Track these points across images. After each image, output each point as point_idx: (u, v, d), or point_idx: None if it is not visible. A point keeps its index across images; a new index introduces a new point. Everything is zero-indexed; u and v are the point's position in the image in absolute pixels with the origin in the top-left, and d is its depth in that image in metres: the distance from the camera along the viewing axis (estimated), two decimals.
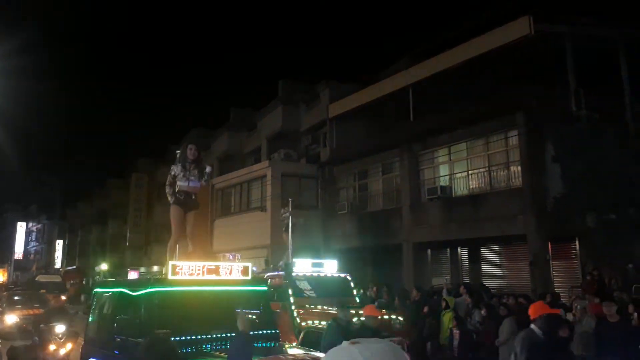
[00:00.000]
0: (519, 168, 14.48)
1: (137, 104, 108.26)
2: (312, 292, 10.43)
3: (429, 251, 17.57)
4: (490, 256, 15.69)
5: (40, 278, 28.35)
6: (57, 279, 29.47)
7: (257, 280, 6.29)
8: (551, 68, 13.93)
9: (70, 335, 9.68)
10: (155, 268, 36.90)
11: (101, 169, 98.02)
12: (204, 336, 4.96)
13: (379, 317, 7.55)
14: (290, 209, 17.76)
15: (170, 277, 5.23)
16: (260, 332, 5.49)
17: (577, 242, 13.40)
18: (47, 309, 11.15)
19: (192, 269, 5.32)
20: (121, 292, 6.00)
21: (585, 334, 7.53)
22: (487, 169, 15.61)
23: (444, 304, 10.84)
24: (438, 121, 16.68)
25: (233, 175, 24.03)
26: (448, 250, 16.94)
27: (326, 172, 21.71)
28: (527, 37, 13.80)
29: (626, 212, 12.87)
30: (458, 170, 16.55)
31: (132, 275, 32.46)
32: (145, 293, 5.27)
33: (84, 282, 37.94)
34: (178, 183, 6.39)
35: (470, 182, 16.08)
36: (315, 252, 20.75)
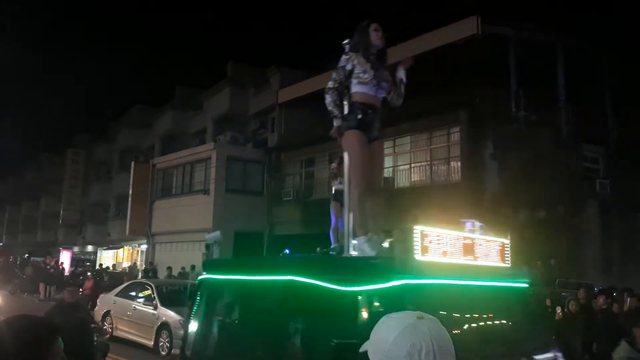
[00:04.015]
0: (459, 164, 15.00)
1: (75, 75, 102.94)
2: None
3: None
4: None
5: None
6: None
7: (515, 270, 3.62)
8: (494, 69, 14.46)
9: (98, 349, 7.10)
10: (90, 248, 35.62)
11: (35, 142, 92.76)
12: None
13: None
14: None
15: (419, 258, 2.85)
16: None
17: (508, 238, 14.09)
18: (58, 306, 6.87)
19: (446, 244, 3.04)
20: (307, 285, 3.03)
21: None
22: (428, 162, 16.07)
23: None
24: (385, 114, 16.94)
25: (176, 155, 23.42)
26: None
27: (273, 158, 21.59)
28: (474, 37, 14.24)
29: (555, 209, 13.67)
30: (401, 163, 16.95)
31: (65, 255, 31.19)
32: (388, 290, 2.72)
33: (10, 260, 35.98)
34: (355, 88, 3.58)
35: (412, 175, 16.51)
36: (259, 238, 20.71)
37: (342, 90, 3.68)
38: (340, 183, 8.17)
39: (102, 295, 13.41)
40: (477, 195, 14.27)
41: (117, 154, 33.61)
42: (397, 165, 17.03)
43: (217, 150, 20.98)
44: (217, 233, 4.37)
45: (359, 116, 3.55)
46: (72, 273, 25.69)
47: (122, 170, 30.08)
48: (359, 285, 2.77)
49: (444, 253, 3.02)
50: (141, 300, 11.86)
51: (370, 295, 2.75)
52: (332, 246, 7.78)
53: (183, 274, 18.31)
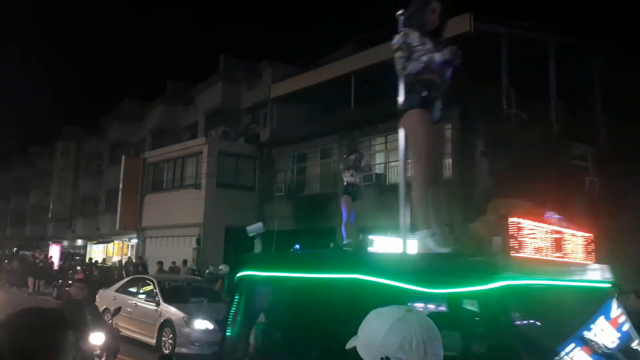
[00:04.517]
0: (450, 160, 15.07)
1: (65, 68, 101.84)
2: None
3: (361, 236, 17.98)
4: None
5: None
6: None
7: (602, 268, 3.16)
8: (487, 67, 14.52)
9: (110, 350, 6.20)
10: (80, 242, 35.39)
11: (24, 135, 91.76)
12: None
13: None
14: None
15: (515, 254, 2.48)
16: None
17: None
18: (65, 304, 6.72)
19: (539, 238, 2.68)
20: (376, 286, 2.59)
21: None
22: None
23: None
24: (377, 110, 16.99)
25: (167, 149, 23.30)
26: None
27: (265, 153, 21.55)
28: (467, 34, 14.28)
29: (543, 207, 13.78)
30: (393, 159, 17.00)
31: (54, 249, 30.95)
32: (488, 292, 2.29)
33: None
34: (415, 65, 3.17)
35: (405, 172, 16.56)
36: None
37: (407, 61, 3.18)
38: (352, 175, 7.90)
39: (101, 291, 12.89)
40: (467, 192, 14.36)
41: (108, 148, 33.37)
42: (389, 162, 17.09)
43: (208, 144, 20.90)
44: (259, 224, 4.02)
45: (423, 93, 3.16)
46: (60, 267, 25.50)
47: (113, 164, 29.87)
48: (450, 287, 2.34)
49: (538, 249, 2.63)
50: (143, 296, 11.48)
51: (466, 299, 2.37)
52: (344, 241, 7.52)
53: (174, 269, 18.26)
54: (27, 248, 34.11)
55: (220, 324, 7.62)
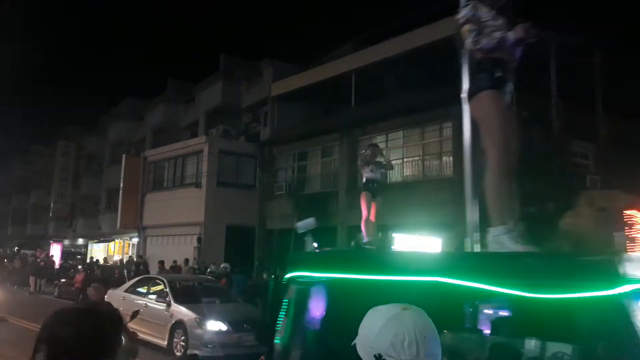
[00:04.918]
0: (451, 159, 15.06)
1: (66, 67, 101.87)
2: None
3: (359, 235, 17.98)
4: None
5: None
6: None
7: None
8: None
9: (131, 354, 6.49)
10: (81, 241, 35.41)
11: (24, 134, 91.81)
12: None
13: None
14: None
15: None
16: None
17: None
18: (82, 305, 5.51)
19: None
20: (465, 290, 2.27)
21: None
22: (421, 157, 16.13)
23: None
24: (377, 108, 16.99)
25: (168, 148, 23.31)
26: (379, 234, 17.43)
27: (265, 152, 21.55)
28: None
29: (545, 205, 13.78)
30: (394, 158, 16.98)
31: (55, 248, 30.98)
32: (616, 298, 1.90)
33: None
34: (486, 42, 2.88)
35: (405, 170, 16.57)
36: (251, 232, 20.71)
37: (478, 37, 2.84)
38: (372, 171, 7.66)
39: (110, 291, 12.43)
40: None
41: (108, 147, 33.38)
42: (391, 160, 17.07)
43: (209, 143, 20.91)
44: (311, 220, 3.57)
45: (497, 74, 2.85)
46: (61, 266, 25.55)
47: (113, 163, 29.89)
48: (563, 292, 1.97)
49: None
50: (153, 296, 11.08)
51: (586, 306, 1.98)
52: (364, 240, 7.24)
53: (175, 268, 18.28)
54: (28, 247, 34.18)
55: (260, 329, 7.22)
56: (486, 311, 2.46)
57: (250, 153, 21.73)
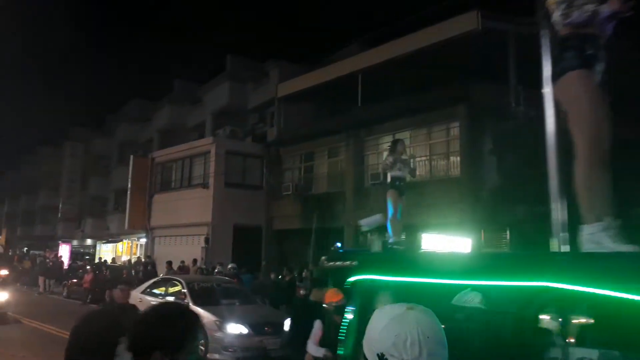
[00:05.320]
0: (458, 159, 15.03)
1: (73, 69, 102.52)
2: None
3: (368, 235, 17.96)
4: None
5: None
6: None
7: None
8: (494, 64, 14.44)
9: None
10: (89, 242, 35.64)
11: (32, 136, 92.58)
12: None
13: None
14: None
15: None
16: None
17: (507, 232, 14.16)
18: (109, 308, 6.23)
19: None
20: (585, 297, 1.90)
21: None
22: (428, 157, 16.09)
23: None
24: (384, 109, 16.97)
25: (175, 149, 23.42)
26: (386, 234, 17.42)
27: (272, 153, 21.59)
28: (474, 31, 14.22)
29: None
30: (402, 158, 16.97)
31: (64, 248, 31.21)
32: None
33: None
34: (577, 16, 2.57)
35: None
36: (258, 232, 20.76)
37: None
38: (400, 169, 7.40)
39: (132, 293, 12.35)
40: (475, 190, 14.31)
41: (116, 148, 33.57)
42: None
43: (216, 144, 20.98)
44: (377, 217, 3.14)
45: (589, 51, 2.57)
46: (70, 266, 25.74)
47: (121, 164, 30.06)
48: None
49: None
50: (171, 298, 10.72)
51: None
52: (390, 240, 6.83)
53: (183, 268, 18.36)
54: (36, 248, 34.47)
55: (290, 336, 6.86)
56: (610, 323, 2.04)
57: (257, 154, 21.78)
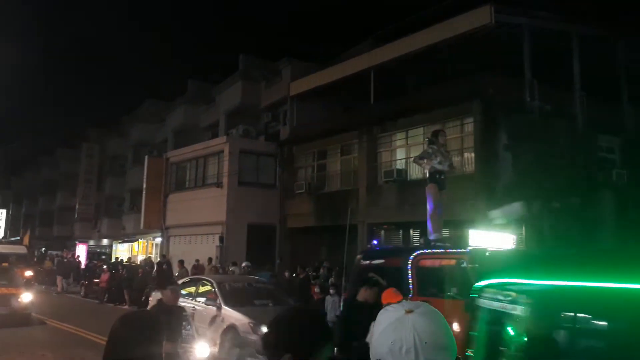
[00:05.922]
0: (473, 155, 14.88)
1: (87, 70, 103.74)
2: None
3: (382, 232, 17.92)
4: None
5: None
6: (22, 250, 22.60)
7: None
8: (508, 59, 14.28)
9: None
10: (105, 241, 36.08)
11: (49, 138, 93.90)
12: None
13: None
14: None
15: None
16: None
17: (523, 228, 14.00)
18: (161, 310, 5.06)
19: None
20: None
21: None
22: None
23: None
24: (397, 105, 16.88)
25: (189, 149, 23.57)
26: (401, 231, 17.34)
27: (285, 151, 21.62)
28: (487, 26, 14.06)
29: (569, 200, 13.53)
30: (414, 155, 16.85)
31: (81, 248, 31.63)
32: None
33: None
34: None
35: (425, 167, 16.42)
36: (272, 231, 20.81)
37: None
38: (440, 163, 7.14)
39: (154, 294, 11.68)
40: (490, 187, 14.17)
41: (131, 148, 33.89)
42: (410, 157, 16.94)
43: (229, 143, 21.06)
44: (516, 205, 2.78)
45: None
46: (87, 266, 26.11)
47: (136, 164, 30.34)
48: None
49: None
50: (201, 299, 10.33)
51: None
52: (431, 236, 6.57)
53: (197, 267, 18.48)
54: (54, 248, 34.98)
55: (342, 341, 6.63)
56: None
57: (270, 152, 21.83)
